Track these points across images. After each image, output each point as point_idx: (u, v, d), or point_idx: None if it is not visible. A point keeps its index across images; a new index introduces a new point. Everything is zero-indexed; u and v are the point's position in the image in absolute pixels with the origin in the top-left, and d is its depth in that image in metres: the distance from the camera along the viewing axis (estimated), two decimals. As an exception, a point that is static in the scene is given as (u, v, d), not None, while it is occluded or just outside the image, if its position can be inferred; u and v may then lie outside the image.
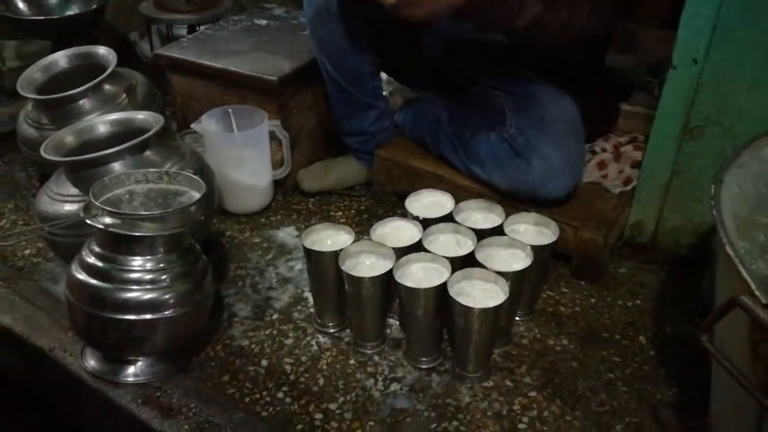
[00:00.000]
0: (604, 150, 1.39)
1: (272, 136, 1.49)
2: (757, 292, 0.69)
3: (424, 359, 1.12)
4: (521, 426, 1.01)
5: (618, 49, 1.97)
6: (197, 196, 1.09)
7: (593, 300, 1.25)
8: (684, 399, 1.05)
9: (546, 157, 1.26)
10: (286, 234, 1.45)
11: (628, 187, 1.32)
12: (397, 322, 1.20)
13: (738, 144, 1.00)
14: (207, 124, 1.44)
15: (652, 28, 1.65)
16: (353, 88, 1.45)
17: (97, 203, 1.04)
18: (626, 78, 1.85)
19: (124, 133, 1.30)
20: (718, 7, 1.08)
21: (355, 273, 1.08)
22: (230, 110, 1.48)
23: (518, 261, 1.11)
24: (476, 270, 1.07)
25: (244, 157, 1.45)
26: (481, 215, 1.23)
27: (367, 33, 1.37)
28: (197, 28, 1.93)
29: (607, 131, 1.45)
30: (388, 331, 1.19)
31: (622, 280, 1.30)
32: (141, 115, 1.33)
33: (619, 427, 1.01)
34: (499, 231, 1.17)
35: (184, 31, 1.99)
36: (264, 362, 1.13)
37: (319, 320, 1.21)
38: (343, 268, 1.08)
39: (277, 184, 1.56)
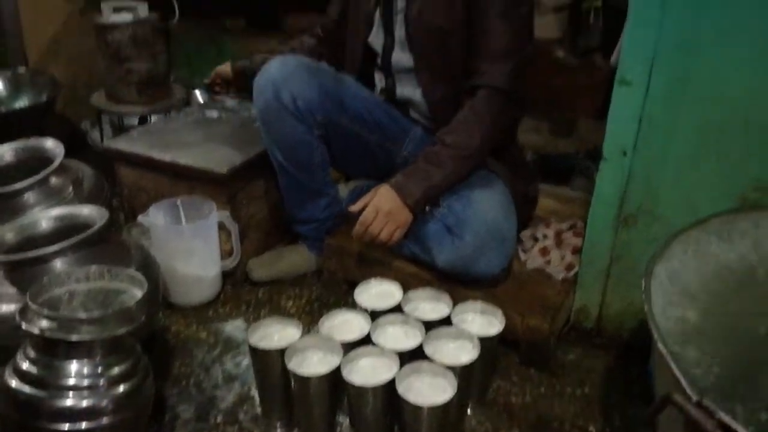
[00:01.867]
0: (546, 237, 1.43)
1: (221, 227, 1.49)
2: (688, 390, 0.70)
3: (375, 457, 1.10)
4: None
5: (559, 133, 2.07)
6: (139, 295, 1.08)
7: (543, 389, 1.26)
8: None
9: (477, 233, 1.30)
10: (234, 327, 1.43)
11: (571, 273, 1.36)
12: (347, 420, 1.17)
13: (670, 232, 1.05)
14: (154, 217, 1.43)
15: (589, 119, 1.73)
16: (303, 177, 1.47)
17: (34, 306, 1.01)
18: (567, 162, 1.94)
19: (68, 228, 1.29)
20: (643, 103, 1.15)
21: (302, 370, 1.07)
22: (179, 202, 1.48)
23: (466, 353, 1.11)
24: (425, 363, 1.07)
25: (192, 249, 1.44)
26: (429, 305, 1.24)
27: (315, 124, 1.41)
28: (149, 119, 1.95)
29: (527, 213, 1.51)
30: (338, 429, 1.16)
31: (570, 367, 1.31)
32: (86, 210, 1.31)
33: None
34: (447, 321, 1.18)
35: (135, 121, 2.00)
36: (208, 467, 1.09)
37: (265, 420, 1.17)
38: (289, 366, 1.07)
39: (226, 274, 1.55)
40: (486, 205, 1.34)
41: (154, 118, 1.96)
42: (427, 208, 1.36)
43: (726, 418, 0.68)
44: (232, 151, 1.53)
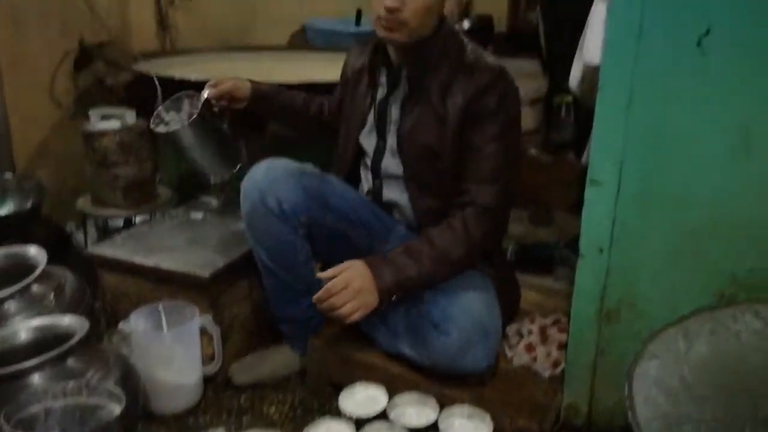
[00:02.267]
0: (530, 332, 1.43)
1: (203, 331, 1.47)
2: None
3: None
4: None
5: (539, 222, 2.10)
6: (117, 411, 1.05)
7: (535, 493, 1.22)
8: None
9: (462, 329, 1.29)
10: (215, 437, 1.39)
11: (558, 370, 1.35)
12: None
13: (653, 327, 1.05)
14: (135, 323, 1.42)
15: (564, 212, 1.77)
16: (288, 277, 1.47)
17: (8, 428, 0.99)
18: (548, 251, 1.95)
19: (48, 338, 1.27)
20: (615, 203, 1.18)
21: (284, 485, 1.03)
22: (160, 307, 1.47)
23: (453, 461, 1.08)
24: (410, 474, 1.04)
25: (173, 355, 1.41)
26: (415, 409, 1.22)
27: (300, 226, 1.42)
28: (133, 221, 1.96)
29: (512, 309, 1.51)
30: None
31: (562, 467, 1.28)
32: (66, 320, 1.31)
33: None
34: (434, 427, 1.16)
35: (120, 223, 2.02)
36: None
37: None
38: (270, 481, 1.03)
39: (208, 379, 1.51)
40: (471, 302, 1.34)
41: (138, 219, 1.97)
42: (394, 298, 1.33)
43: None
44: (215, 254, 1.53)
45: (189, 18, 2.73)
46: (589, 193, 1.19)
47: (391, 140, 1.45)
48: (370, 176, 1.53)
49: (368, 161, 1.52)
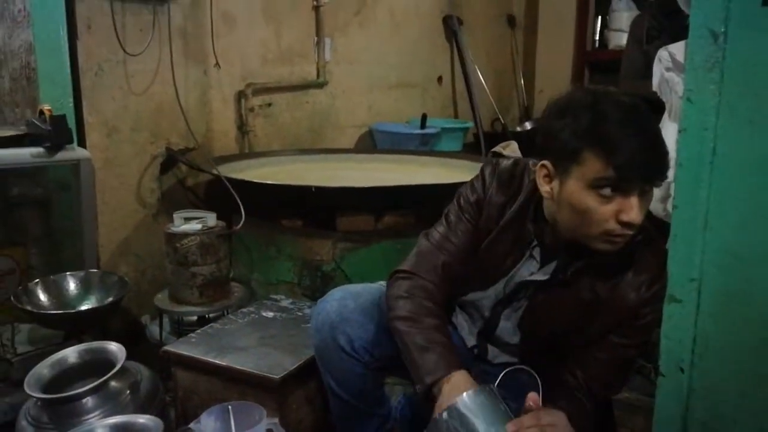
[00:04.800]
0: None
1: (270, 433, 1.47)
2: None
3: None
4: None
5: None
6: None
7: None
8: None
9: None
10: None
11: (638, 494, 1.27)
12: None
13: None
14: (205, 424, 1.44)
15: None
16: (356, 402, 1.45)
17: None
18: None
19: (122, 439, 1.30)
20: (695, 322, 1.15)
21: None
22: (230, 407, 1.48)
23: None
24: None
25: (241, 458, 1.42)
26: None
27: (372, 360, 1.37)
28: (207, 316, 2.03)
29: None
30: None
31: None
32: (141, 420, 1.34)
33: None
34: None
35: (194, 318, 2.08)
36: None
37: None
38: None
39: (273, 484, 1.50)
40: None
41: (212, 315, 2.04)
42: None
43: None
44: (284, 356, 1.56)
45: (267, 123, 2.92)
46: (668, 310, 1.17)
47: (517, 316, 1.33)
48: (474, 331, 1.41)
49: (480, 323, 1.39)
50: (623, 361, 1.25)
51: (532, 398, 1.10)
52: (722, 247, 1.12)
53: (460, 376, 1.14)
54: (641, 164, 1.08)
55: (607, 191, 1.10)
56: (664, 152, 1.10)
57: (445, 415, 1.07)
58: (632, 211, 1.10)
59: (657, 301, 1.17)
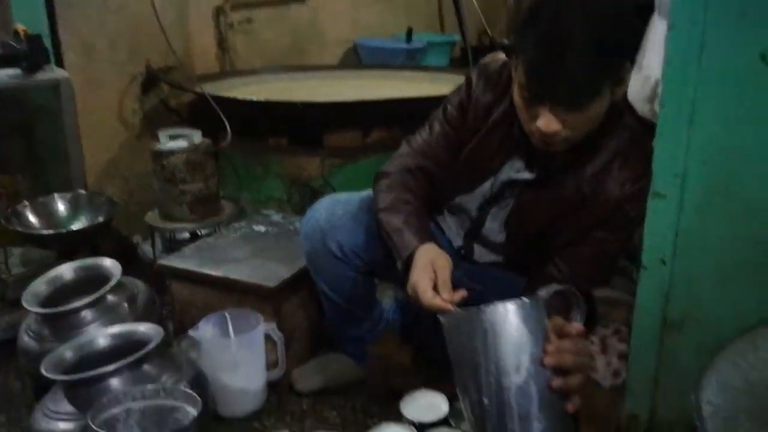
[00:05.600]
0: (592, 343, 1.43)
1: (267, 338, 1.52)
2: None
3: None
4: None
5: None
6: (194, 412, 1.11)
7: (598, 504, 1.22)
8: None
9: None
10: (280, 440, 1.44)
11: (619, 380, 1.34)
12: None
13: (718, 338, 1.05)
14: (203, 330, 1.48)
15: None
16: (349, 305, 1.50)
17: (94, 426, 1.05)
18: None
19: (124, 345, 1.34)
20: (678, 216, 1.18)
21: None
22: (227, 315, 1.53)
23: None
24: (474, 477, 1.06)
25: (239, 361, 1.47)
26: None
27: (362, 264, 1.42)
28: (199, 233, 2.05)
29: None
30: None
31: (624, 480, 1.27)
32: (142, 328, 1.38)
33: None
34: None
35: (186, 235, 2.10)
36: None
37: None
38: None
39: (271, 385, 1.57)
40: None
41: (203, 232, 2.06)
42: None
43: None
44: (278, 265, 1.59)
45: (247, 40, 2.85)
46: (652, 205, 1.19)
47: (503, 215, 1.34)
48: (461, 232, 1.43)
49: (467, 223, 1.41)
50: (607, 255, 1.29)
51: (578, 329, 1.09)
52: (707, 143, 1.13)
53: (430, 246, 1.18)
54: (547, 83, 1.11)
55: (526, 95, 1.15)
56: (578, 79, 1.10)
57: (494, 310, 0.98)
58: (542, 121, 1.13)
59: (641, 197, 1.20)
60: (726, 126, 1.12)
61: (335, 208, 1.42)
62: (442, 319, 1.04)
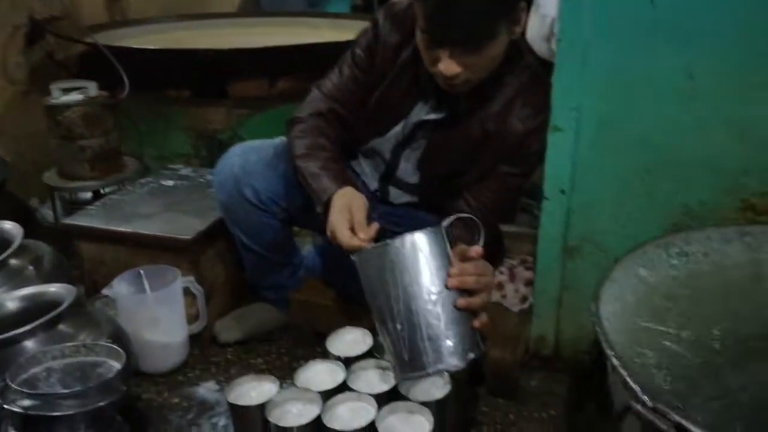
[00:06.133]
0: (501, 272, 1.52)
1: (186, 292, 1.51)
2: (641, 396, 0.79)
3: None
4: None
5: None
6: (117, 366, 1.10)
7: (511, 416, 1.33)
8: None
9: None
10: (206, 390, 1.45)
11: (526, 305, 1.45)
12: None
13: (612, 258, 1.16)
14: (118, 288, 1.45)
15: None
16: (268, 253, 1.50)
17: (14, 386, 1.02)
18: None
19: (34, 307, 1.29)
20: (575, 148, 1.27)
21: (282, 423, 1.10)
22: (142, 271, 1.50)
23: (439, 389, 1.17)
24: (401, 403, 1.12)
25: (158, 317, 1.46)
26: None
27: (279, 211, 1.43)
28: (102, 191, 1.97)
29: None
30: (322, 477, 1.18)
31: (535, 393, 1.39)
32: (52, 288, 1.33)
33: None
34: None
35: (88, 195, 2.02)
36: None
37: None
38: (270, 419, 1.10)
39: (193, 338, 1.56)
40: None
41: (107, 190, 1.98)
42: None
43: (679, 419, 0.76)
44: (192, 218, 1.57)
45: (138, -13, 2.69)
46: (551, 138, 1.27)
47: (416, 156, 1.39)
48: (376, 176, 1.47)
49: (382, 166, 1.44)
50: (512, 188, 1.37)
51: (477, 251, 1.11)
52: (600, 78, 1.22)
53: (347, 189, 1.21)
54: (444, 27, 1.14)
55: (426, 38, 1.18)
56: (474, 22, 1.13)
57: (398, 243, 1.04)
58: (442, 64, 1.17)
59: (542, 131, 1.27)
60: (617, 61, 1.20)
61: (249, 155, 1.41)
62: (354, 257, 1.10)
